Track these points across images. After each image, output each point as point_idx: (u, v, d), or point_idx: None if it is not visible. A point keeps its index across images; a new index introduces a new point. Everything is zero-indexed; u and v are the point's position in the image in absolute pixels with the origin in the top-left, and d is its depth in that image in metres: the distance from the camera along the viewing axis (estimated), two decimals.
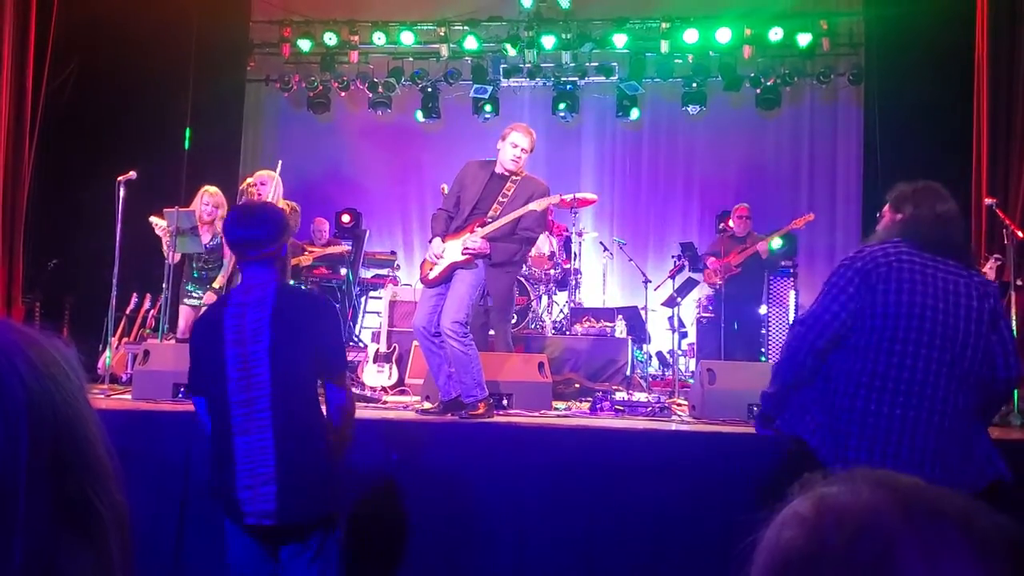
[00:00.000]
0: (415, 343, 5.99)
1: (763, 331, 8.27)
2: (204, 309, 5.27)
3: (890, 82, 8.62)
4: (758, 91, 9.51)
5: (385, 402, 5.76)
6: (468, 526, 4.12)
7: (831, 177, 9.89)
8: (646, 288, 7.60)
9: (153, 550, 4.00)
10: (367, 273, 9.00)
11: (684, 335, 8.03)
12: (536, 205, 4.75)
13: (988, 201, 5.85)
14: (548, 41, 9.42)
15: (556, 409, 5.34)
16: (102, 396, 5.24)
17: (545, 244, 7.83)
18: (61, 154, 7.97)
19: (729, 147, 9.94)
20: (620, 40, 9.46)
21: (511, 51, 9.52)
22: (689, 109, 9.68)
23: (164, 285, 6.13)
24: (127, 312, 7.34)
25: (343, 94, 10.06)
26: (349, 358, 7.07)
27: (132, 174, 5.83)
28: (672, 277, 7.75)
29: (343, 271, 8.45)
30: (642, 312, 7.72)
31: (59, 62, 7.56)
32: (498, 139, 4.94)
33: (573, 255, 8.11)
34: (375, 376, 6.50)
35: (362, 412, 5.02)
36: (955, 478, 2.63)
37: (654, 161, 10.29)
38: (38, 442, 0.67)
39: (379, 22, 9.77)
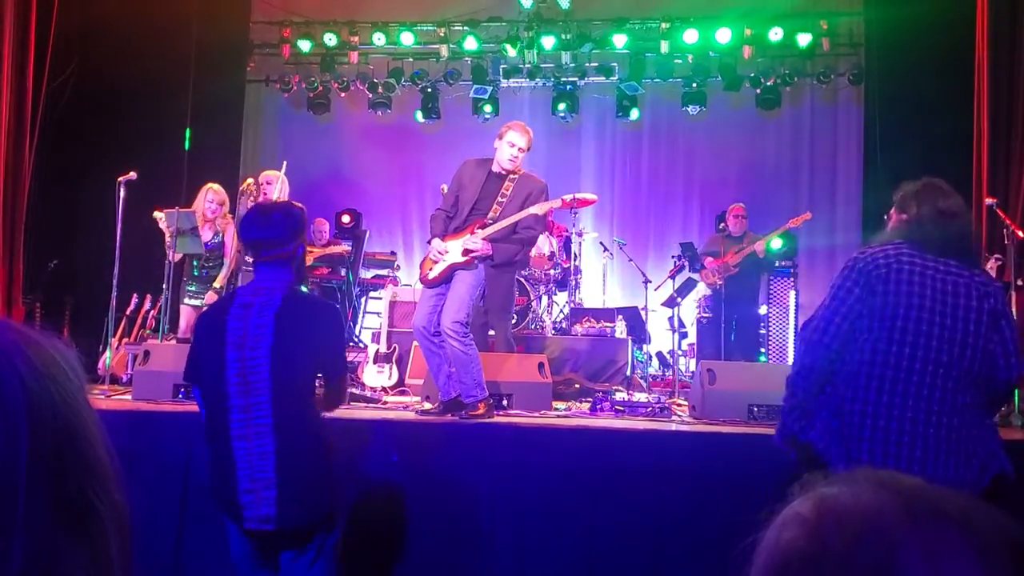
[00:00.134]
0: (415, 343, 5.99)
1: (763, 331, 8.27)
2: (206, 308, 5.28)
3: (890, 82, 8.62)
4: (758, 91, 9.50)
5: (385, 402, 5.76)
6: (468, 526, 4.12)
7: (831, 177, 9.89)
8: (646, 288, 7.60)
9: (153, 550, 4.00)
10: (367, 273, 9.00)
11: (684, 335, 8.03)
12: (537, 209, 4.75)
13: (988, 201, 5.85)
14: (548, 41, 9.42)
15: (556, 409, 5.34)
16: (102, 397, 5.24)
17: (545, 244, 7.83)
18: (61, 154, 7.97)
19: (729, 147, 9.94)
20: (620, 40, 9.46)
21: (511, 51, 9.51)
22: (689, 109, 9.67)
23: (164, 285, 6.14)
24: (127, 312, 7.34)
25: (343, 95, 10.06)
26: (349, 358, 7.08)
27: (132, 174, 5.83)
28: (672, 277, 7.75)
29: (343, 271, 8.45)
30: (642, 312, 7.72)
31: (59, 62, 7.56)
32: (495, 138, 4.94)
33: (573, 255, 8.11)
34: (375, 376, 6.50)
35: (362, 412, 5.04)
36: (957, 475, 2.65)
37: (654, 161, 10.29)
38: (38, 442, 0.67)
39: (379, 23, 9.77)
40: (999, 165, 6.67)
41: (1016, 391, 4.76)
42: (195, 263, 6.35)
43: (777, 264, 8.41)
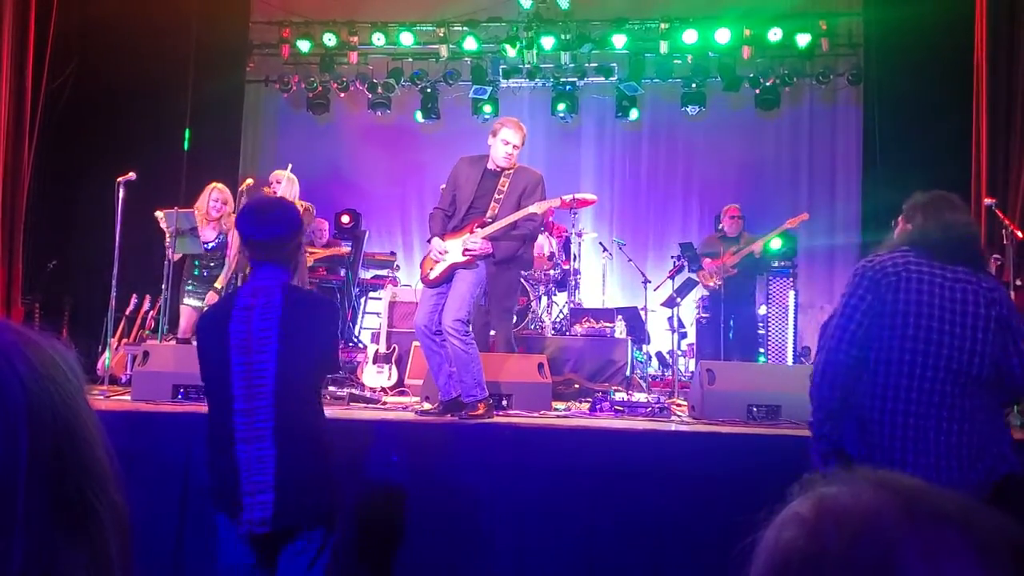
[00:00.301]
0: (415, 344, 5.99)
1: (762, 331, 8.27)
2: (206, 309, 5.27)
3: (889, 82, 8.62)
4: (757, 91, 9.50)
5: (385, 403, 5.76)
6: (468, 526, 4.12)
7: (830, 177, 9.89)
8: (646, 288, 7.60)
9: (153, 551, 4.00)
10: (367, 274, 8.99)
11: (683, 335, 8.02)
12: (536, 208, 4.75)
13: (988, 201, 5.85)
14: (547, 42, 9.42)
15: (556, 410, 5.34)
16: (101, 397, 5.24)
17: (545, 245, 7.83)
18: (60, 154, 7.97)
19: (728, 148, 9.94)
20: (619, 41, 9.46)
21: (510, 52, 9.51)
22: (688, 110, 9.67)
23: (163, 286, 6.13)
24: (126, 313, 7.34)
25: (342, 95, 10.06)
26: (349, 359, 7.08)
27: (131, 175, 5.83)
28: (672, 277, 7.75)
29: (343, 272, 8.45)
30: (642, 312, 7.72)
31: (58, 63, 7.56)
32: (488, 135, 4.93)
33: (573, 256, 8.11)
34: (375, 377, 6.49)
35: (362, 413, 5.04)
36: (964, 477, 2.69)
37: (653, 162, 10.29)
38: (37, 443, 0.67)
39: (378, 23, 9.77)
40: (998, 165, 6.67)
41: None
42: (196, 263, 6.35)
43: (776, 264, 8.42)
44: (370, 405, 5.62)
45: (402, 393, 6.28)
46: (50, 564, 0.66)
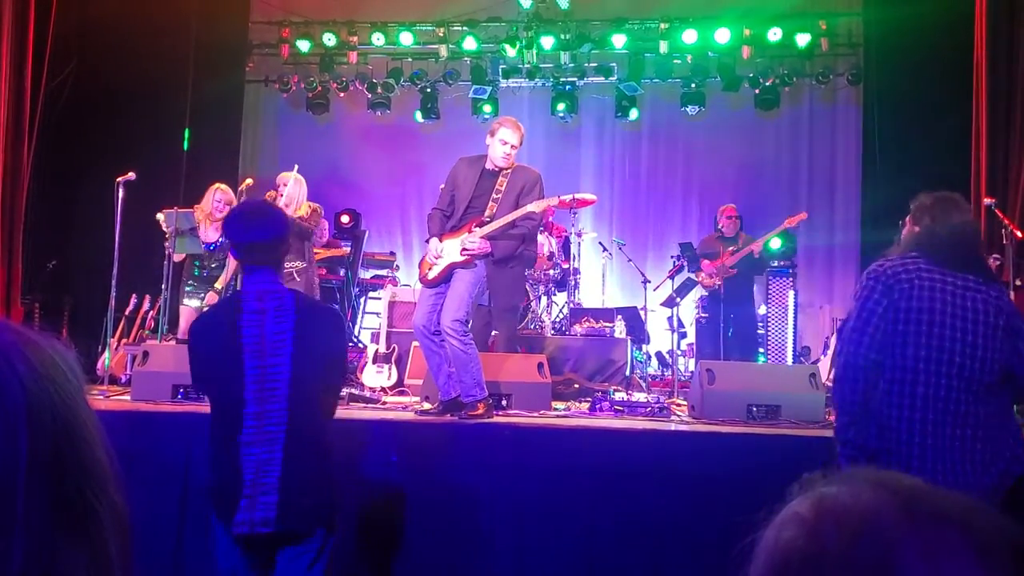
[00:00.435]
0: (415, 344, 5.98)
1: (761, 331, 8.28)
2: (206, 310, 5.27)
3: (890, 82, 8.62)
4: (757, 91, 9.50)
5: (384, 403, 5.76)
6: (468, 526, 4.12)
7: (830, 177, 9.89)
8: (645, 288, 7.60)
9: (153, 551, 4.00)
10: (366, 274, 8.99)
11: (683, 335, 8.03)
12: (535, 207, 4.75)
13: (987, 201, 5.85)
14: (547, 42, 9.42)
15: (555, 409, 5.34)
16: (101, 397, 5.24)
17: (544, 245, 7.83)
18: (60, 155, 7.97)
19: (728, 147, 9.93)
20: (619, 40, 9.46)
21: (510, 51, 9.51)
22: (688, 109, 9.67)
23: (163, 286, 6.13)
24: (126, 313, 7.34)
25: (342, 95, 10.06)
26: (348, 359, 7.08)
27: (131, 175, 5.83)
28: (671, 277, 7.75)
29: (342, 272, 8.45)
30: (641, 312, 7.72)
31: (58, 63, 7.56)
32: (486, 134, 4.94)
33: (572, 256, 8.11)
34: (374, 377, 6.49)
35: (361, 413, 5.04)
36: (979, 480, 2.74)
37: (653, 161, 10.29)
38: (37, 443, 0.67)
39: (378, 23, 9.77)
40: (998, 165, 6.67)
41: None
42: (196, 263, 6.35)
43: (776, 264, 8.42)
44: (370, 405, 5.62)
45: (402, 393, 6.28)
46: (50, 564, 0.66)
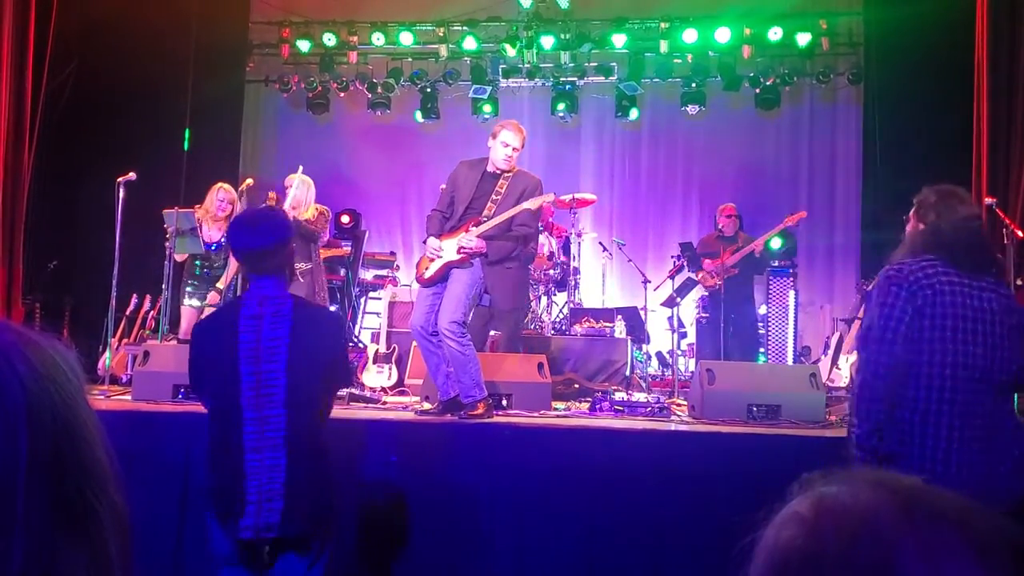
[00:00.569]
0: (415, 343, 5.99)
1: (762, 331, 8.27)
2: (209, 312, 5.27)
3: (890, 82, 8.62)
4: (757, 91, 9.50)
5: (384, 403, 5.76)
6: (468, 526, 4.12)
7: (831, 177, 9.88)
8: (645, 288, 7.60)
9: (153, 551, 4.00)
10: (367, 274, 8.99)
11: (683, 335, 8.03)
12: (530, 204, 4.76)
13: (988, 201, 5.85)
14: (547, 41, 9.42)
15: (555, 409, 5.34)
16: (102, 397, 5.24)
17: (545, 244, 7.83)
18: (61, 155, 7.97)
19: (728, 147, 9.93)
20: (619, 40, 9.46)
21: (510, 51, 9.51)
22: (688, 109, 9.67)
23: (164, 286, 6.13)
24: (127, 313, 7.34)
25: (342, 95, 10.06)
26: (349, 359, 7.08)
27: (131, 175, 5.83)
28: (671, 277, 7.75)
29: (343, 272, 8.45)
30: (641, 312, 7.72)
31: (58, 63, 7.55)
32: (488, 137, 4.95)
33: (572, 255, 8.11)
34: (375, 377, 6.49)
35: (361, 412, 5.04)
36: (1004, 483, 2.76)
37: (653, 161, 10.28)
38: (37, 443, 0.67)
39: (378, 23, 9.77)
40: (999, 165, 6.67)
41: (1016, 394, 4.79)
42: (197, 263, 6.35)
43: (776, 264, 8.42)
44: (370, 405, 5.62)
45: (402, 393, 6.28)
46: (50, 564, 0.66)
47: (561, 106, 9.76)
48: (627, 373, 6.98)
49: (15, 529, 0.64)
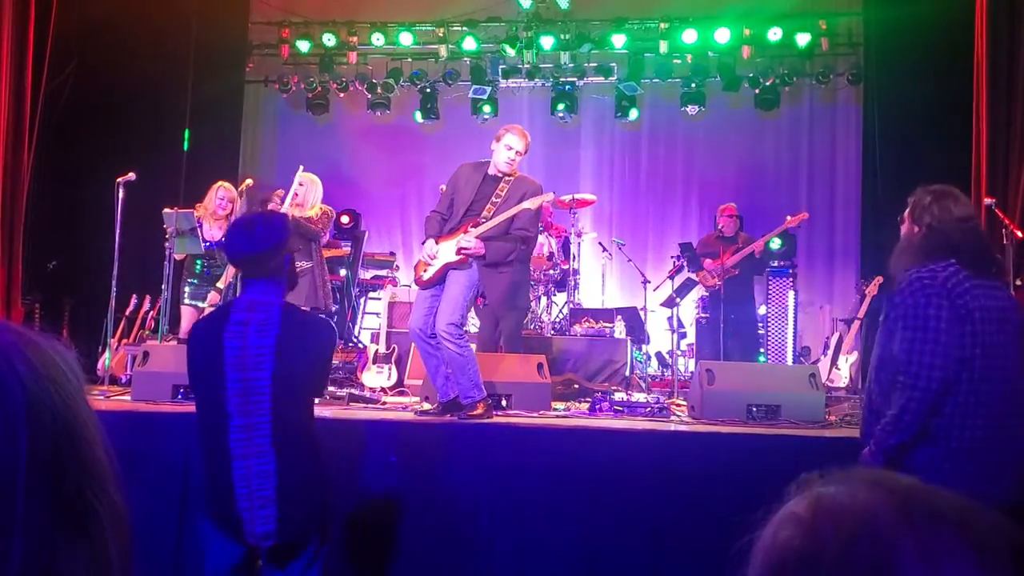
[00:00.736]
0: (414, 344, 5.99)
1: (761, 331, 8.28)
2: (206, 313, 5.27)
3: (890, 82, 8.61)
4: (757, 91, 9.49)
5: (384, 403, 5.76)
6: (467, 527, 4.12)
7: (830, 177, 9.88)
8: (645, 289, 7.60)
9: (153, 551, 4.00)
10: (366, 274, 9.00)
11: (683, 335, 8.03)
12: (529, 204, 4.76)
13: (988, 201, 5.85)
14: (547, 42, 9.42)
15: (555, 410, 5.34)
16: (101, 397, 5.24)
17: (544, 245, 7.83)
18: (60, 155, 7.97)
19: (728, 147, 9.93)
20: (619, 40, 9.45)
21: (510, 52, 9.51)
22: (688, 109, 9.66)
23: (163, 286, 6.14)
24: (127, 313, 7.34)
25: (342, 95, 10.05)
26: (349, 359, 7.08)
27: (131, 175, 5.84)
28: (671, 278, 7.75)
29: (343, 272, 8.46)
30: (641, 313, 7.72)
31: (58, 63, 7.56)
32: (492, 139, 4.95)
33: (572, 256, 8.11)
34: (374, 377, 6.50)
35: (361, 413, 5.04)
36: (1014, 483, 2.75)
37: (653, 162, 10.28)
38: (37, 443, 0.67)
39: (378, 23, 9.76)
40: (998, 165, 6.67)
41: None
42: (197, 261, 6.35)
43: (776, 264, 8.42)
44: (369, 405, 5.62)
45: (402, 393, 6.28)
46: (50, 564, 0.66)
47: (561, 106, 9.76)
48: (627, 373, 6.98)
49: (15, 529, 0.64)
